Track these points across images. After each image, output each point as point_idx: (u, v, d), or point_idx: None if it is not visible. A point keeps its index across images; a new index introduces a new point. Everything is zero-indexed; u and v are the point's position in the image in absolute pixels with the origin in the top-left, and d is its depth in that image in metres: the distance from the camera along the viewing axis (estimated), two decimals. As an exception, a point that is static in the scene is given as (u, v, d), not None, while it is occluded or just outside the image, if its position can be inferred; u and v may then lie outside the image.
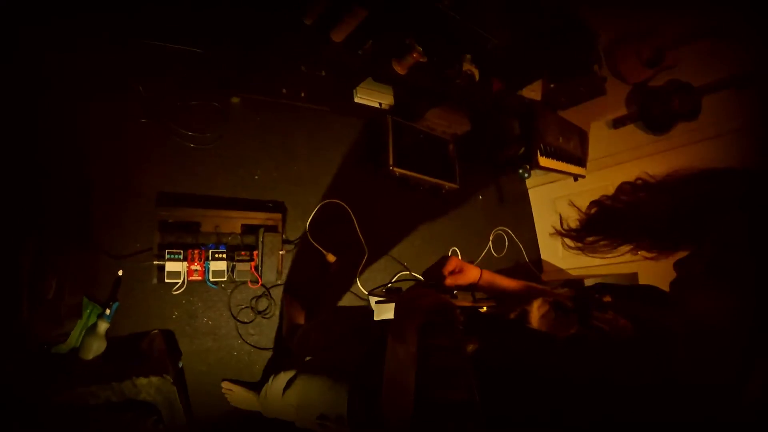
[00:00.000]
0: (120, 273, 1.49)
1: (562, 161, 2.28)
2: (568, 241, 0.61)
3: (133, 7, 1.50)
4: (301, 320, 1.73)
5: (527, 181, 3.11)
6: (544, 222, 3.08)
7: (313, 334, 1.38)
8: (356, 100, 2.12)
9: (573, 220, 0.61)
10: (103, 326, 1.40)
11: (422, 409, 0.38)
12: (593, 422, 0.44)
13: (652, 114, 2.25)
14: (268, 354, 1.72)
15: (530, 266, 2.95)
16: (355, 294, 1.99)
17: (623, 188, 0.55)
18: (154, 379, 1.31)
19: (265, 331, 1.73)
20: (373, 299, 0.85)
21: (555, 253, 3.01)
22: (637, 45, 2.18)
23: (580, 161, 2.45)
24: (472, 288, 0.89)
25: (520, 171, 2.69)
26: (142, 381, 1.30)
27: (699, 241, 0.46)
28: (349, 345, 1.01)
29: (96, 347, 1.38)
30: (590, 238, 0.57)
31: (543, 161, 2.14)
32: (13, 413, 1.06)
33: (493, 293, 0.89)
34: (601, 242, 0.56)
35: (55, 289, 1.13)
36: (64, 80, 1.43)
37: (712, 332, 0.43)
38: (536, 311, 0.64)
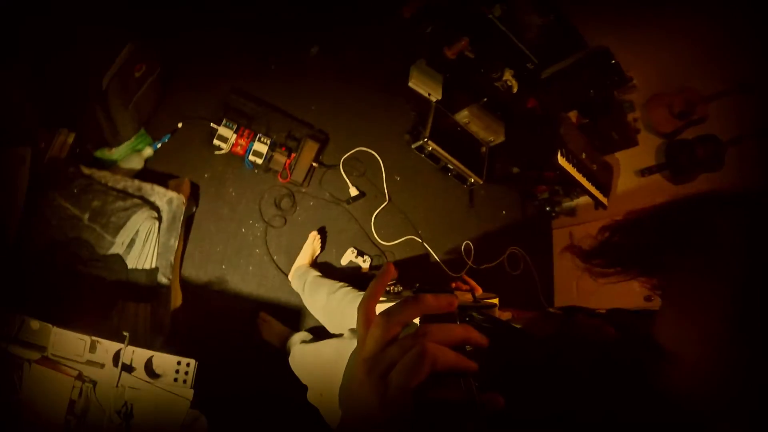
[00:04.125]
0: (179, 125, 1.71)
1: (583, 175, 2.37)
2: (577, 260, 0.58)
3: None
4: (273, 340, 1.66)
5: (553, 222, 3.14)
6: (563, 264, 3.02)
7: None
8: (410, 84, 2.43)
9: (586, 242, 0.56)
10: (147, 151, 1.59)
11: (422, 409, 0.37)
12: (593, 421, 0.43)
13: (677, 162, 2.37)
14: (266, 252, 1.80)
15: (541, 297, 2.83)
16: (366, 236, 2.04)
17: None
18: (171, 193, 1.42)
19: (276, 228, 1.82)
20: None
21: (569, 295, 2.90)
22: (669, 97, 2.42)
23: (604, 189, 2.52)
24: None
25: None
26: (161, 189, 1.41)
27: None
28: None
29: (134, 163, 1.54)
30: (597, 265, 0.52)
31: (562, 161, 2.23)
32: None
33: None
34: (608, 270, 0.51)
35: (143, 73, 1.35)
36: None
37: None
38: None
